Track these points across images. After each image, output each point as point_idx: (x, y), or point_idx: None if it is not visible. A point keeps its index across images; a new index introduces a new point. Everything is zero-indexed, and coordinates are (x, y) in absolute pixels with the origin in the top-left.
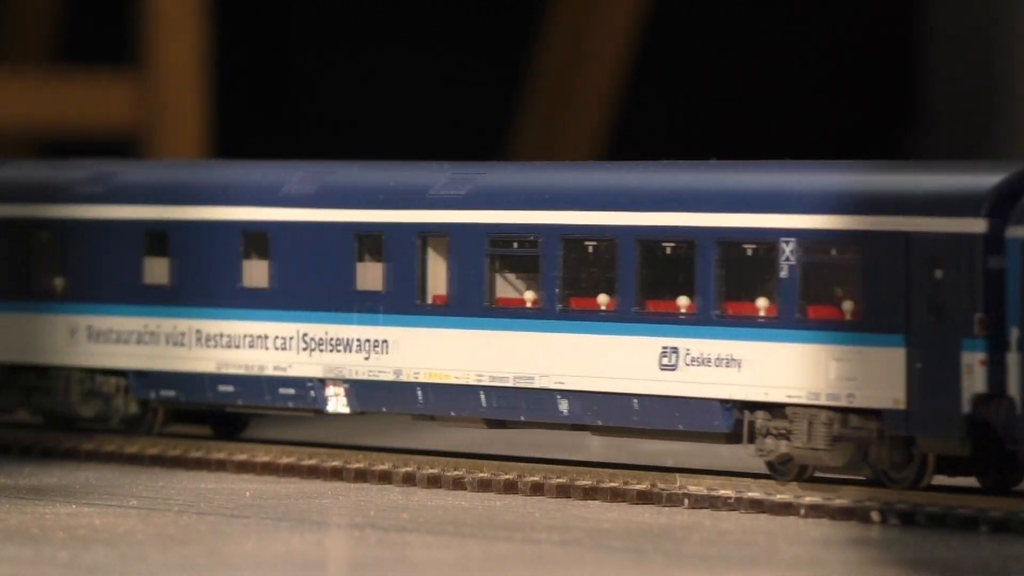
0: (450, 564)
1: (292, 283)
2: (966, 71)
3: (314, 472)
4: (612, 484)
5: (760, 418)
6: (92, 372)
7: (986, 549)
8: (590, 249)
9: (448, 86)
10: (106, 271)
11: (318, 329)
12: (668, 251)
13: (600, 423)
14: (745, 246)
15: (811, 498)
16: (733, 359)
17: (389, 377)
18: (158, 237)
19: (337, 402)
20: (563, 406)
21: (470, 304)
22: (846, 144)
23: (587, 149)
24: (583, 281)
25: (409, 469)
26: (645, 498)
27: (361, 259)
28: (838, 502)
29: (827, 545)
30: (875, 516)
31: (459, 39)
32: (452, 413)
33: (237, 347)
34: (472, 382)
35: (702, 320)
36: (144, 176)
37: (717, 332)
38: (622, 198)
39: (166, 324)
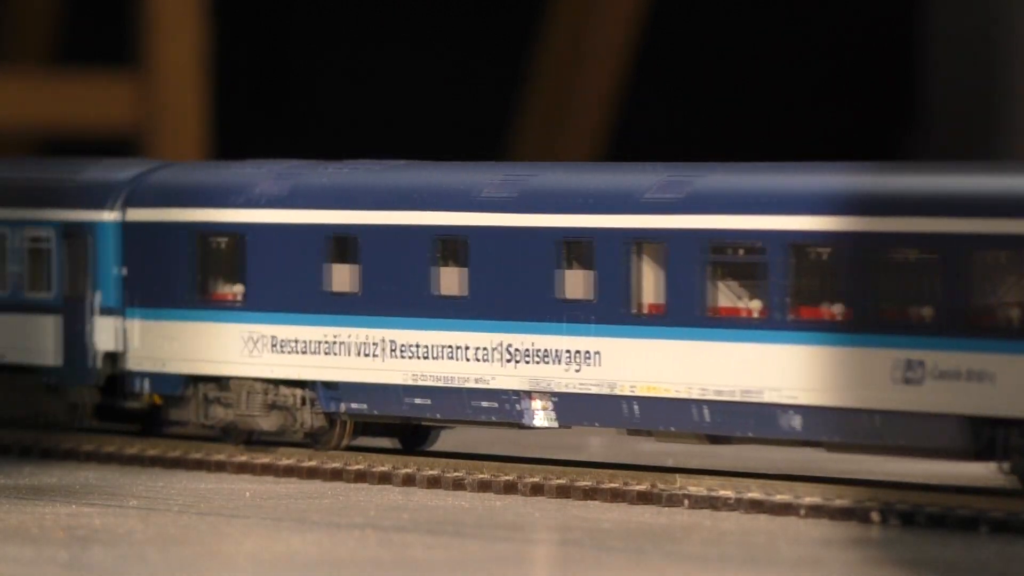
0: (450, 564)
1: (492, 291)
2: (966, 71)
3: (314, 473)
4: (612, 484)
5: (1015, 435)
6: (275, 383)
7: (986, 549)
8: (821, 256)
9: (448, 86)
10: (289, 278)
11: (520, 339)
12: (909, 259)
13: (837, 440)
14: (997, 251)
15: (811, 498)
16: (982, 372)
17: (599, 390)
18: (345, 242)
19: (542, 416)
20: (795, 422)
21: (688, 313)
22: (846, 144)
23: (587, 149)
24: (812, 289)
25: (409, 470)
26: (645, 498)
27: (568, 266)
28: (838, 502)
29: (827, 545)
30: (875, 516)
31: (459, 39)
32: (670, 428)
33: (432, 358)
34: (691, 395)
35: (948, 331)
36: (329, 178)
37: (965, 344)
38: (856, 203)
39: (355, 333)
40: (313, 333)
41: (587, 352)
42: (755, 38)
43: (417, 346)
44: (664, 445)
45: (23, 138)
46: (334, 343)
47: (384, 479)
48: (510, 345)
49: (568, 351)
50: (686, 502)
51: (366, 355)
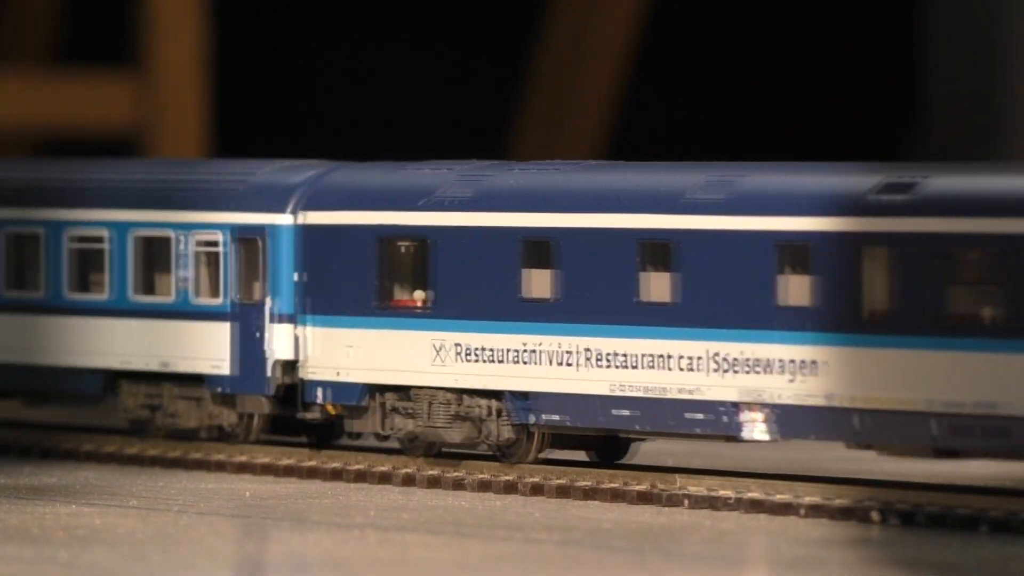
0: (450, 564)
1: (700, 297)
2: (966, 71)
3: (314, 472)
4: (612, 484)
5: None
6: (462, 393)
7: (986, 549)
8: None
9: (448, 86)
10: (478, 283)
11: (732, 348)
12: None
13: None
14: None
15: (811, 498)
16: None
17: (819, 402)
18: (540, 246)
19: (755, 428)
20: None
21: (918, 321)
22: (846, 144)
23: (587, 149)
24: None
25: (409, 470)
26: (645, 498)
27: (785, 271)
28: (838, 502)
29: (827, 545)
30: (875, 516)
31: (459, 39)
32: (895, 442)
33: (636, 367)
34: (920, 408)
35: None
36: (520, 179)
37: None
38: None
39: (551, 341)
40: (505, 341)
41: (803, 361)
42: (755, 38)
43: (619, 355)
44: (664, 444)
45: (23, 138)
46: (528, 351)
47: (384, 479)
48: (718, 354)
49: (785, 360)
50: (686, 502)
51: (563, 364)
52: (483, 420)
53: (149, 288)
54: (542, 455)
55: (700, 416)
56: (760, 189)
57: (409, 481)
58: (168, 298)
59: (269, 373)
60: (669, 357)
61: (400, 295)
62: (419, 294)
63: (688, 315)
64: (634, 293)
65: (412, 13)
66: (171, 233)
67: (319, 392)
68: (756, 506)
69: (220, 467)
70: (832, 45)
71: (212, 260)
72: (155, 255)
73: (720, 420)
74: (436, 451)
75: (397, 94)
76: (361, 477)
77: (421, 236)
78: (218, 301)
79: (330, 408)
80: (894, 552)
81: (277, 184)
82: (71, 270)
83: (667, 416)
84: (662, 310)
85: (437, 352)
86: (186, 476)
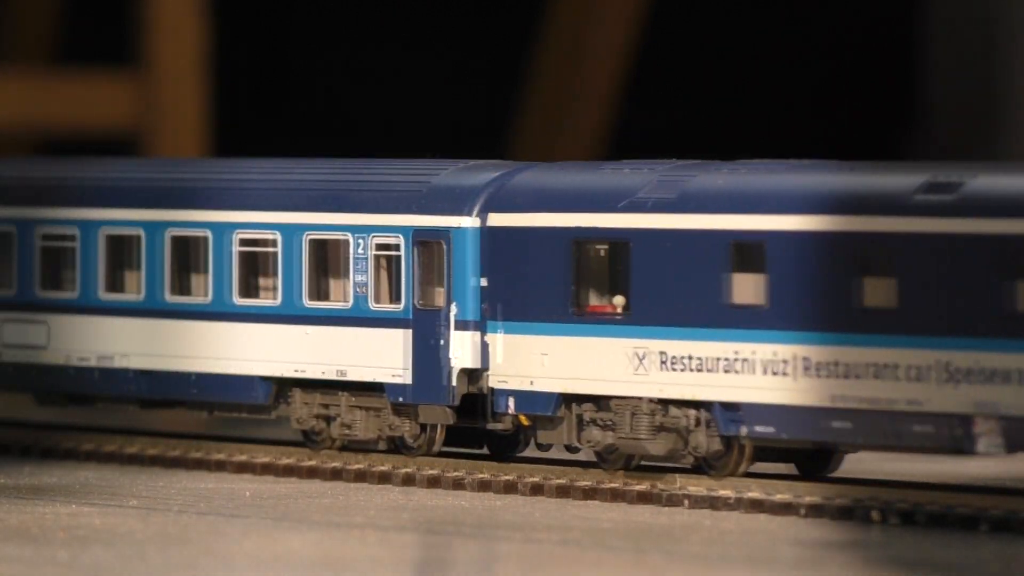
0: (450, 564)
1: (928, 303)
2: (966, 71)
3: (314, 472)
4: (612, 484)
5: None
6: (664, 403)
7: (986, 549)
8: None
9: (448, 86)
10: (681, 288)
11: (963, 358)
12: None
13: None
14: None
15: (811, 498)
16: None
17: None
18: (749, 250)
19: (989, 442)
20: None
21: None
22: (846, 144)
23: (587, 149)
24: None
25: (409, 469)
26: (645, 498)
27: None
28: (838, 502)
29: (827, 545)
30: (875, 516)
31: (459, 39)
32: None
33: (856, 377)
34: None
35: None
36: (727, 180)
37: None
38: None
39: (762, 350)
40: (711, 349)
41: None
42: (755, 38)
43: (837, 364)
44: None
45: (23, 138)
46: (736, 360)
47: (384, 479)
48: (949, 363)
49: (1018, 370)
50: (686, 502)
51: (775, 373)
52: (687, 431)
53: (322, 293)
54: (749, 470)
55: (926, 429)
56: (986, 191)
57: (409, 481)
58: (344, 304)
59: (450, 382)
60: (891, 367)
61: (596, 300)
62: (617, 299)
63: (912, 322)
64: (853, 299)
65: (412, 13)
66: (347, 236)
67: (509, 402)
68: (756, 506)
69: (220, 467)
70: (832, 45)
71: (390, 264)
72: (329, 259)
73: (949, 433)
74: (634, 464)
75: (397, 94)
76: (361, 477)
77: (621, 239)
78: (397, 307)
79: (521, 419)
80: (894, 552)
81: (460, 185)
82: (239, 275)
83: (889, 429)
84: (884, 316)
85: (640, 360)
86: (186, 476)
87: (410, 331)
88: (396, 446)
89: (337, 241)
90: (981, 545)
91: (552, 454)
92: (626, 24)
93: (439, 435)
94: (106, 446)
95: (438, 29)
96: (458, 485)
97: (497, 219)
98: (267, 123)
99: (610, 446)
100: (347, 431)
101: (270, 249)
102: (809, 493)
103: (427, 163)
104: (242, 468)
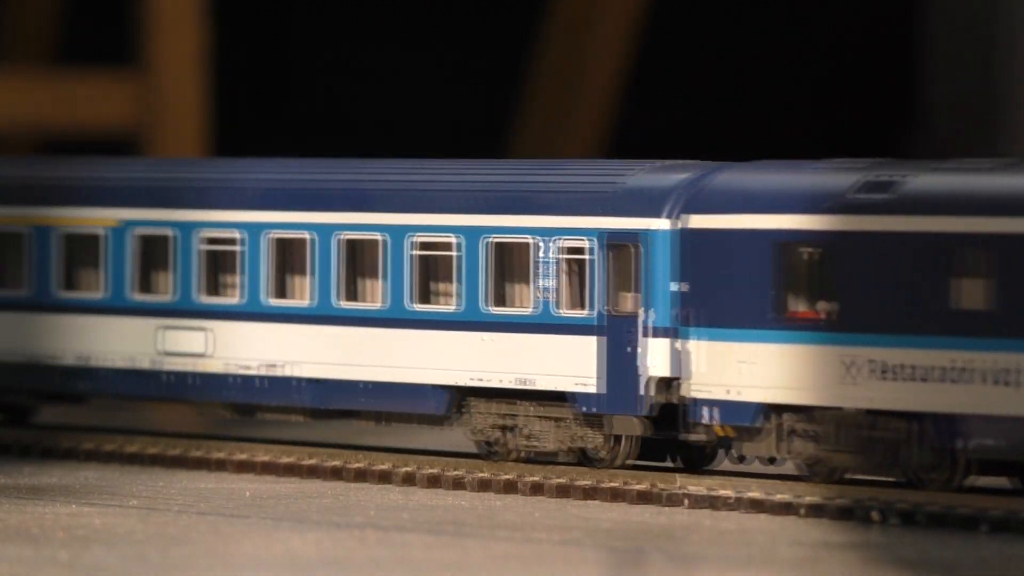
0: (450, 564)
1: None
2: (966, 71)
3: (314, 472)
4: (612, 484)
5: None
6: (876, 414)
7: (986, 549)
8: None
9: (448, 86)
10: (895, 293)
11: None
12: None
13: None
14: None
15: (811, 498)
16: None
17: None
18: (973, 253)
19: None
20: None
21: None
22: (846, 144)
23: (587, 149)
24: None
25: (409, 469)
26: (645, 498)
27: None
28: (838, 502)
29: (827, 545)
30: (875, 516)
31: (459, 39)
32: None
33: None
34: None
35: None
36: (944, 180)
37: None
38: None
39: (987, 359)
40: (930, 358)
41: None
42: (755, 38)
43: None
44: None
45: (23, 138)
46: (958, 369)
47: (384, 479)
48: None
49: None
50: (686, 502)
51: (1003, 384)
52: (898, 444)
53: (503, 299)
54: (967, 482)
55: None
56: None
57: (409, 481)
58: (527, 309)
59: (643, 391)
60: None
61: (800, 306)
62: (823, 305)
63: None
64: None
65: (412, 13)
66: (531, 239)
67: (706, 412)
68: (756, 506)
69: (220, 467)
70: (832, 45)
71: (577, 268)
72: (512, 262)
73: None
74: (838, 477)
75: (397, 94)
76: (361, 476)
77: (828, 242)
78: (584, 313)
79: (718, 429)
80: (894, 552)
81: (653, 186)
82: (416, 280)
83: None
84: None
85: (847, 369)
86: (186, 476)
87: (601, 338)
88: (580, 458)
89: (519, 244)
90: (981, 545)
91: (749, 466)
92: (626, 24)
93: (630, 446)
94: (106, 446)
95: (438, 29)
96: (458, 485)
97: (693, 221)
98: (267, 123)
99: (813, 458)
100: (530, 442)
101: (450, 253)
102: (809, 493)
103: (617, 163)
104: (242, 468)
